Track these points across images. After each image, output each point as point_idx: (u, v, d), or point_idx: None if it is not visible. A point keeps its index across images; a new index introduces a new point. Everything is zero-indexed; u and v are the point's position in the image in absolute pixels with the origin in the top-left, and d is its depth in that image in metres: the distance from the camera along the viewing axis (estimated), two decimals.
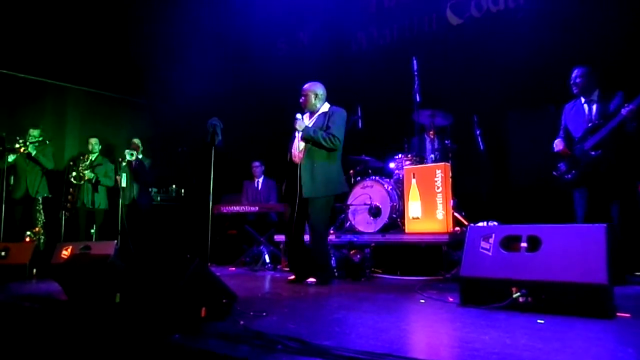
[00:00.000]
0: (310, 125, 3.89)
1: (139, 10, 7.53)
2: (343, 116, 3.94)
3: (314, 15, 7.10)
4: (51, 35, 6.89)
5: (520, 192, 5.04)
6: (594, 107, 3.83)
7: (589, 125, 3.78)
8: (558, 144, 3.94)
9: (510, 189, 5.19)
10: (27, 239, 5.64)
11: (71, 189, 6.12)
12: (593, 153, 3.71)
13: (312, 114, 4.00)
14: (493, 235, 2.61)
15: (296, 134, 3.97)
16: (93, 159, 6.27)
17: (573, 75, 3.89)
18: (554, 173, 3.99)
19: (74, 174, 6.07)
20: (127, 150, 6.30)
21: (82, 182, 6.08)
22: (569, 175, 3.87)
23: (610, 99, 3.74)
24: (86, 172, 6.11)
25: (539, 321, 2.11)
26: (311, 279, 3.77)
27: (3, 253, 4.43)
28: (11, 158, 5.88)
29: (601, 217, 3.62)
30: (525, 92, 4.91)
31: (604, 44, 4.54)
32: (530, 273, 2.39)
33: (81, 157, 6.26)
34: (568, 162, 3.89)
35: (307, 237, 4.14)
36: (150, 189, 6.80)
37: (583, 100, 3.90)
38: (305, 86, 3.99)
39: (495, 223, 4.12)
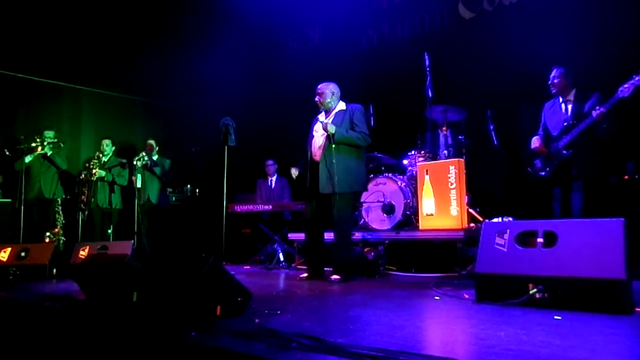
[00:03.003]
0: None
1: (150, 13, 7.60)
2: (363, 112, 4.04)
3: (324, 12, 7.09)
4: (66, 39, 7.00)
5: (536, 187, 4.97)
6: (570, 107, 3.94)
7: (564, 124, 3.88)
8: (535, 141, 4.06)
9: (525, 184, 5.13)
10: (47, 240, 5.75)
11: (84, 188, 6.17)
12: (565, 152, 3.84)
13: (327, 112, 4.04)
14: (508, 231, 2.59)
15: (314, 132, 4.00)
16: (106, 160, 6.32)
17: (551, 75, 4.01)
18: (529, 169, 4.12)
19: (84, 172, 6.11)
20: (139, 155, 6.33)
21: (93, 178, 6.09)
22: (543, 172, 4.00)
23: (585, 99, 3.83)
24: (97, 170, 6.11)
25: (556, 317, 2.09)
26: (335, 276, 3.77)
27: (23, 254, 4.52)
28: (28, 159, 5.95)
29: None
30: (540, 86, 4.83)
31: (617, 37, 4.46)
32: (546, 269, 2.36)
33: (95, 156, 6.30)
34: (543, 159, 4.01)
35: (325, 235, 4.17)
36: (167, 190, 6.87)
37: (561, 99, 4.01)
38: (320, 85, 4.03)
39: (511, 219, 4.09)
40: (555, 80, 3.99)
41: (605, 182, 4.04)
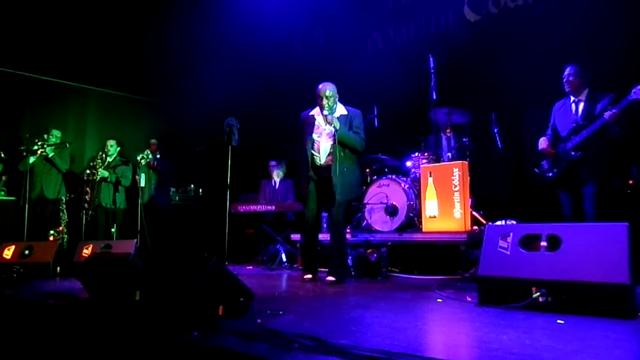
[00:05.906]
0: (327, 127, 3.92)
1: (156, 13, 7.63)
2: (363, 119, 4.08)
3: (329, 14, 7.10)
4: (73, 38, 7.04)
5: (539, 190, 4.95)
6: (581, 107, 3.83)
7: (574, 125, 3.79)
8: (542, 142, 3.97)
9: (529, 187, 5.11)
10: (51, 238, 5.76)
11: (87, 188, 6.18)
12: (573, 153, 3.73)
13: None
14: (511, 234, 2.58)
15: (314, 136, 3.95)
16: (110, 160, 6.33)
17: (565, 72, 3.88)
18: (536, 170, 4.02)
19: (87, 171, 6.12)
20: (142, 153, 6.34)
21: (95, 178, 6.07)
22: (551, 174, 3.90)
23: (597, 101, 3.73)
24: (100, 170, 6.10)
25: (559, 321, 2.08)
26: (330, 277, 3.78)
27: (27, 252, 4.54)
28: (31, 160, 5.96)
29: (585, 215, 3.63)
30: (544, 89, 4.82)
31: (622, 41, 4.44)
32: (550, 272, 2.35)
33: (98, 155, 6.29)
34: (551, 160, 3.92)
35: (322, 236, 4.18)
36: (169, 189, 6.89)
37: (572, 99, 3.90)
38: (325, 87, 3.92)
39: (514, 222, 4.08)
40: (571, 78, 3.83)
41: (612, 185, 3.97)
